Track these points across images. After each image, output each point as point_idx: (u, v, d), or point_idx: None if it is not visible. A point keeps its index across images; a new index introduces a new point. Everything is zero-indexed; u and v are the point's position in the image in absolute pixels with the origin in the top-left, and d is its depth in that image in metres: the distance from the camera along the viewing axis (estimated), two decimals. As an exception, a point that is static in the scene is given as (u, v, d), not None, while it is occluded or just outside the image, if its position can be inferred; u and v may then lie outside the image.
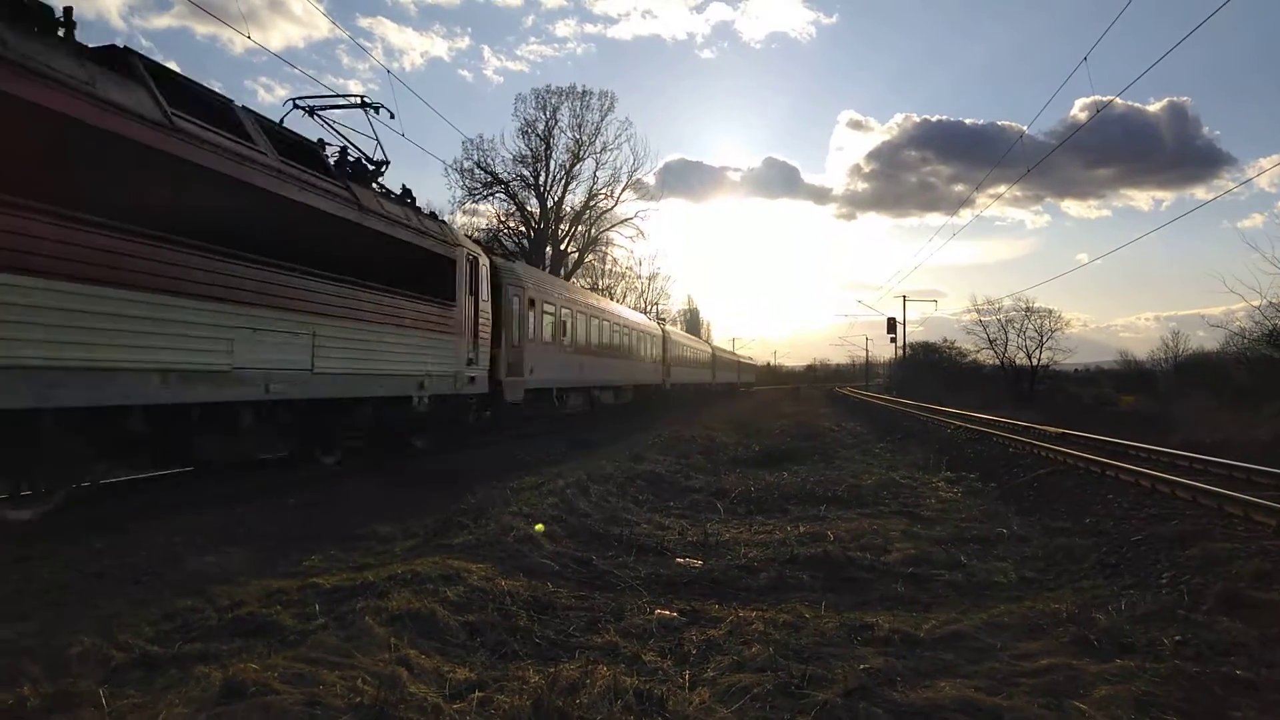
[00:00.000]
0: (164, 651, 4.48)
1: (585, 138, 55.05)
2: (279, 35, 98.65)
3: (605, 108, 55.22)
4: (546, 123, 54.32)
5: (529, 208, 55.20)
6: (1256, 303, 34.17)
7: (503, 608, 5.52)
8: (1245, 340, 36.73)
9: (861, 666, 4.56)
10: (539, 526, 8.09)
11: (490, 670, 4.45)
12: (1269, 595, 5.86)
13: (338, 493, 10.58)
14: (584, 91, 54.86)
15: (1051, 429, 20.86)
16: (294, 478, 11.40)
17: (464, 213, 54.16)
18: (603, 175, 56.59)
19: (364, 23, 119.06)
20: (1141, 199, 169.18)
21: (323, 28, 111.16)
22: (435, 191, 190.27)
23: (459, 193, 55.12)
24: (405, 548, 7.43)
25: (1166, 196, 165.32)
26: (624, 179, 56.67)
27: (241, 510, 8.90)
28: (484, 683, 4.19)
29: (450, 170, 53.42)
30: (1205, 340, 71.00)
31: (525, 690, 3.94)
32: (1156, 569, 7.01)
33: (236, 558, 6.91)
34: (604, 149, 55.72)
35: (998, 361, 59.87)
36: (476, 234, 44.79)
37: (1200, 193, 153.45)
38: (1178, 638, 5.09)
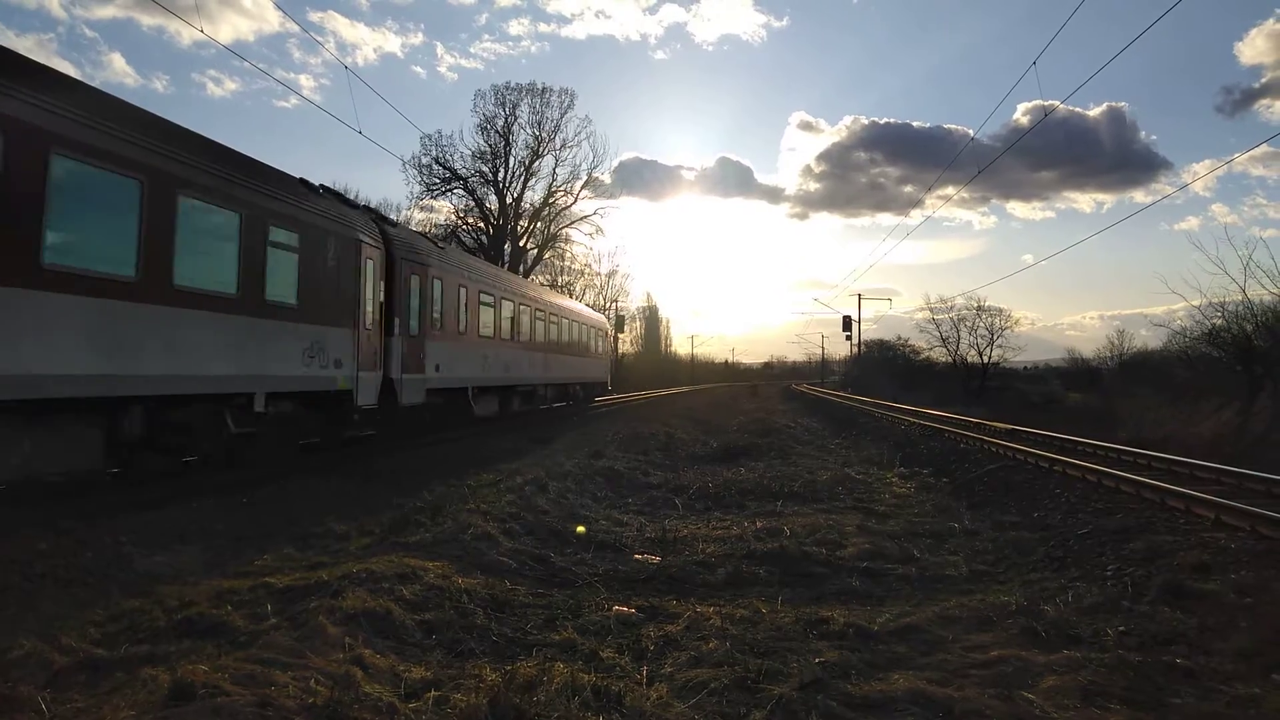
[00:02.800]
0: (109, 654, 4.37)
1: (545, 134, 54.87)
2: (229, 28, 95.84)
3: (565, 105, 55.10)
4: (506, 119, 54.02)
5: (488, 204, 54.83)
6: (1196, 302, 35.21)
7: (459, 606, 5.48)
8: (1186, 339, 37.88)
9: (817, 660, 4.63)
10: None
11: (446, 669, 4.42)
12: (1208, 586, 6.07)
13: (293, 490, 10.40)
14: (544, 89, 54.63)
15: (1001, 425, 21.29)
16: (248, 476, 11.16)
17: (421, 209, 53.71)
18: (562, 172, 56.50)
19: (315, 17, 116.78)
20: (1084, 201, 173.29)
21: (273, 21, 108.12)
22: (391, 188, 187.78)
23: (417, 189, 54.38)
24: (361, 546, 7.33)
25: (1107, 199, 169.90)
26: (583, 176, 56.61)
27: (192, 509, 8.70)
28: (440, 681, 4.16)
29: (408, 166, 52.77)
30: (1148, 339, 72.96)
31: (482, 688, 3.92)
32: (1102, 561, 7.21)
33: (186, 557, 6.77)
34: (563, 146, 55.64)
35: (950, 359, 61.05)
36: (434, 229, 44.31)
37: (1139, 196, 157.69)
38: (1121, 628, 5.25)
